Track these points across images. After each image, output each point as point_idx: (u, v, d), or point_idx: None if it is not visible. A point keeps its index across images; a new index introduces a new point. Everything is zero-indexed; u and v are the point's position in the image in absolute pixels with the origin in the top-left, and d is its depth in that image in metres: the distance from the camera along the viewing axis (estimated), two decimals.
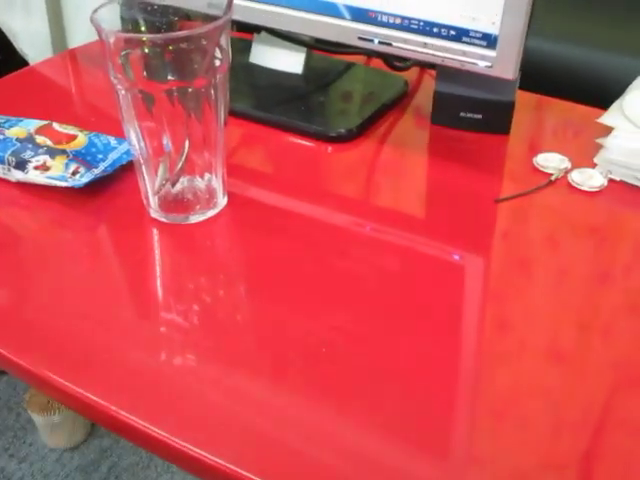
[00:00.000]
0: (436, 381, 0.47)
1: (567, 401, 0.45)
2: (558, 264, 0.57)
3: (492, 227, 0.62)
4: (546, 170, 0.67)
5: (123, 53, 0.53)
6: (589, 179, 0.66)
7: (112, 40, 0.53)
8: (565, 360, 0.48)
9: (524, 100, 0.78)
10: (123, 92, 0.54)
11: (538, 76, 0.77)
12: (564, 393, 0.46)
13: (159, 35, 0.53)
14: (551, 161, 0.68)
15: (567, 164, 0.68)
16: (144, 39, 0.55)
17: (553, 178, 0.66)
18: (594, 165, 0.68)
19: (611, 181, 0.66)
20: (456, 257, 0.57)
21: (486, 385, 0.47)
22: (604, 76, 1.09)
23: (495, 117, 0.73)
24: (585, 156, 0.69)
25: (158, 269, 0.57)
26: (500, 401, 0.46)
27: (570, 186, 0.65)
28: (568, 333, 0.50)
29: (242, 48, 0.84)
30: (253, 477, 0.41)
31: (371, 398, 0.45)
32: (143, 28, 0.59)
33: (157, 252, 0.59)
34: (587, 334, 0.51)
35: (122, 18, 0.58)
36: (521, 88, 0.73)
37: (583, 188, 0.65)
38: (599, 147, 0.69)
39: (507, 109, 0.73)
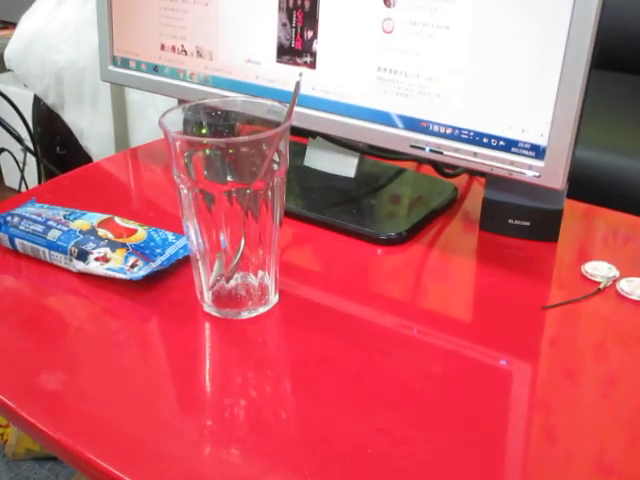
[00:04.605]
0: None
1: None
2: (606, 374, 0.56)
3: (539, 334, 0.62)
4: (594, 278, 0.68)
5: (186, 154, 0.56)
6: (637, 288, 0.66)
7: (178, 142, 0.56)
8: (614, 473, 0.47)
9: (572, 208, 0.79)
10: (185, 191, 0.57)
11: (584, 184, 0.78)
12: None
13: (222, 139, 0.56)
14: (599, 270, 0.69)
15: (615, 273, 0.68)
16: (208, 142, 0.58)
17: (601, 286, 0.66)
18: None
19: None
20: (503, 362, 0.57)
21: None
22: None
23: (543, 225, 0.74)
24: (633, 265, 0.69)
25: (207, 362, 0.58)
26: None
27: (618, 295, 0.66)
28: (617, 446, 0.50)
29: (297, 151, 0.86)
30: None
31: None
32: (204, 130, 0.62)
33: (207, 346, 0.60)
34: (637, 447, 0.50)
35: (185, 120, 0.61)
36: (568, 196, 0.74)
37: (632, 297, 0.65)
38: None
39: (555, 217, 0.74)
